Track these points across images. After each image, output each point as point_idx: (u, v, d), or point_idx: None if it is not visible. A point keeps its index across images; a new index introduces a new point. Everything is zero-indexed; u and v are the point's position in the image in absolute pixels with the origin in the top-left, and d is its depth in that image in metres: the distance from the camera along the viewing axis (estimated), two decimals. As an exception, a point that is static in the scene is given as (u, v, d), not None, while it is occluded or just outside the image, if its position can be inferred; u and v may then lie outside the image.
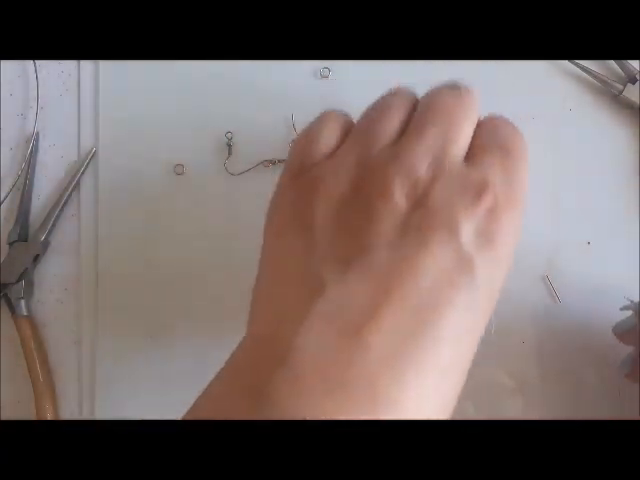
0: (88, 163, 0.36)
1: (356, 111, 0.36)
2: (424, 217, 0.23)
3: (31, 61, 0.37)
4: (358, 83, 0.36)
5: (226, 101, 0.37)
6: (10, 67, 0.38)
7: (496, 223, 0.23)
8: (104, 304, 0.35)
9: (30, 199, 0.36)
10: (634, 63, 0.35)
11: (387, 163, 0.24)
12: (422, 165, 0.24)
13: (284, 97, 0.36)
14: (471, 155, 0.25)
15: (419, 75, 0.36)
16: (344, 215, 0.24)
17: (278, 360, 0.20)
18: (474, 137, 0.26)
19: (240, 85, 0.37)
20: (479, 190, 0.24)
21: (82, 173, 0.36)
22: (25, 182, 0.36)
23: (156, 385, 0.35)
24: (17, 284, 0.35)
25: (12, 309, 0.35)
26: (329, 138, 0.27)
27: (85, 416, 0.34)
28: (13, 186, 0.36)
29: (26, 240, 0.36)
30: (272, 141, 0.36)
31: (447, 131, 0.25)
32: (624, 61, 0.35)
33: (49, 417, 0.34)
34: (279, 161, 0.36)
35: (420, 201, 0.23)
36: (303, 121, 0.37)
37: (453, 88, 0.26)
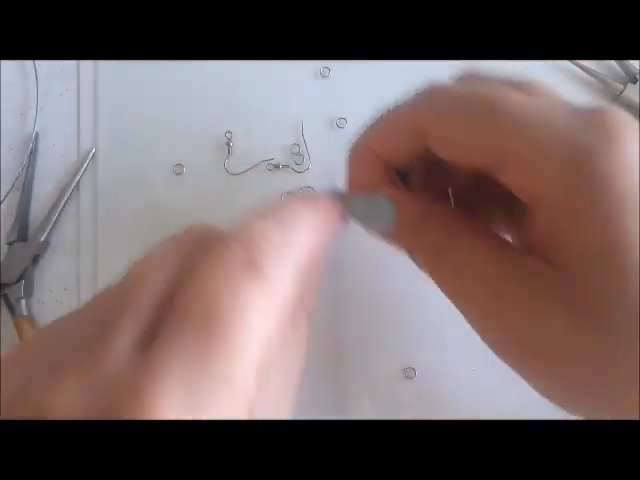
0: (88, 163, 0.36)
1: (355, 111, 0.36)
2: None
3: (31, 61, 0.37)
4: (358, 83, 0.36)
5: (226, 101, 0.37)
6: (10, 67, 0.38)
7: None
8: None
9: (30, 199, 0.36)
10: (634, 63, 0.35)
11: None
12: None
13: (284, 97, 0.36)
14: None
15: (419, 75, 0.36)
16: None
17: None
18: None
19: (240, 85, 0.37)
20: None
21: (82, 173, 0.36)
22: (25, 182, 0.36)
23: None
24: (17, 284, 0.35)
25: (12, 309, 0.35)
26: None
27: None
28: (13, 186, 0.36)
29: (26, 240, 0.36)
30: (272, 141, 0.36)
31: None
32: (624, 61, 0.36)
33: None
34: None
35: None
36: (303, 121, 0.37)
37: None
